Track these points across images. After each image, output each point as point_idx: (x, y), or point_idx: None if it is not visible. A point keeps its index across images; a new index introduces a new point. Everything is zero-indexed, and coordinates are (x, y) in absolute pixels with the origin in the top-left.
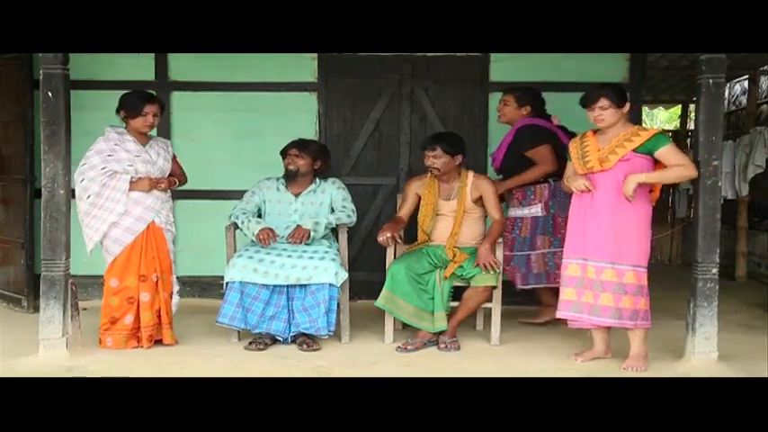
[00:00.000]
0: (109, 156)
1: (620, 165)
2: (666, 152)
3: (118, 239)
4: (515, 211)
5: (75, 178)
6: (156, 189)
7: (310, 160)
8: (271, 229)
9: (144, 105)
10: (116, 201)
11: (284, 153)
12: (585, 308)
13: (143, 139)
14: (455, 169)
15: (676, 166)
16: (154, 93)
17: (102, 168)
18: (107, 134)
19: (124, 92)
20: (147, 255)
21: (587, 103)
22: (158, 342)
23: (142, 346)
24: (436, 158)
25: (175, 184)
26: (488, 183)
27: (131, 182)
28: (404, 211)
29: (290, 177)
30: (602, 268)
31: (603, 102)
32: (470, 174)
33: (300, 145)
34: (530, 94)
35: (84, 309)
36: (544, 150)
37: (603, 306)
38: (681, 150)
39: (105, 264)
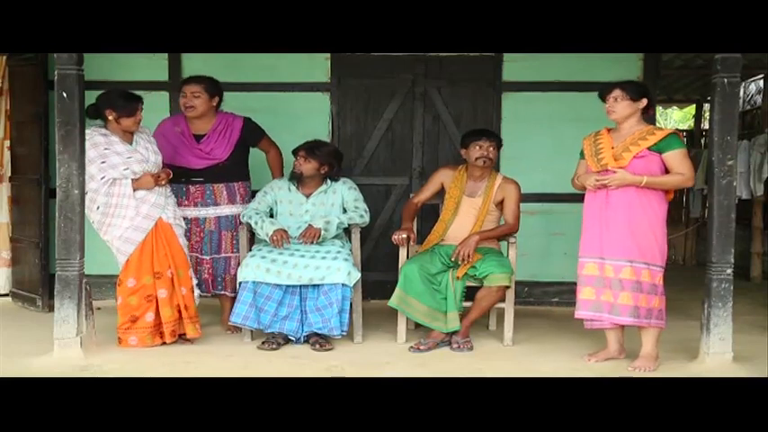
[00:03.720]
0: (102, 163)
1: (635, 162)
2: (674, 157)
3: (129, 239)
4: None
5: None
6: (157, 184)
7: (317, 164)
8: (284, 231)
9: (138, 104)
10: (125, 206)
11: (295, 153)
12: (606, 307)
13: (128, 137)
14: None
15: (678, 175)
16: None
17: (102, 178)
18: (92, 138)
19: (102, 91)
20: (158, 251)
21: (603, 94)
22: (181, 336)
23: (166, 342)
24: (491, 150)
25: (170, 175)
26: (515, 187)
27: (134, 181)
28: (421, 197)
29: (296, 179)
30: (620, 267)
31: (617, 92)
32: (500, 175)
33: (309, 148)
34: (217, 84)
35: (98, 308)
36: (270, 140)
37: (623, 305)
38: (688, 156)
39: (119, 265)
